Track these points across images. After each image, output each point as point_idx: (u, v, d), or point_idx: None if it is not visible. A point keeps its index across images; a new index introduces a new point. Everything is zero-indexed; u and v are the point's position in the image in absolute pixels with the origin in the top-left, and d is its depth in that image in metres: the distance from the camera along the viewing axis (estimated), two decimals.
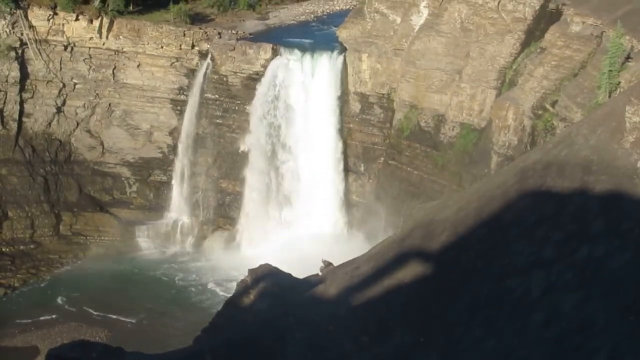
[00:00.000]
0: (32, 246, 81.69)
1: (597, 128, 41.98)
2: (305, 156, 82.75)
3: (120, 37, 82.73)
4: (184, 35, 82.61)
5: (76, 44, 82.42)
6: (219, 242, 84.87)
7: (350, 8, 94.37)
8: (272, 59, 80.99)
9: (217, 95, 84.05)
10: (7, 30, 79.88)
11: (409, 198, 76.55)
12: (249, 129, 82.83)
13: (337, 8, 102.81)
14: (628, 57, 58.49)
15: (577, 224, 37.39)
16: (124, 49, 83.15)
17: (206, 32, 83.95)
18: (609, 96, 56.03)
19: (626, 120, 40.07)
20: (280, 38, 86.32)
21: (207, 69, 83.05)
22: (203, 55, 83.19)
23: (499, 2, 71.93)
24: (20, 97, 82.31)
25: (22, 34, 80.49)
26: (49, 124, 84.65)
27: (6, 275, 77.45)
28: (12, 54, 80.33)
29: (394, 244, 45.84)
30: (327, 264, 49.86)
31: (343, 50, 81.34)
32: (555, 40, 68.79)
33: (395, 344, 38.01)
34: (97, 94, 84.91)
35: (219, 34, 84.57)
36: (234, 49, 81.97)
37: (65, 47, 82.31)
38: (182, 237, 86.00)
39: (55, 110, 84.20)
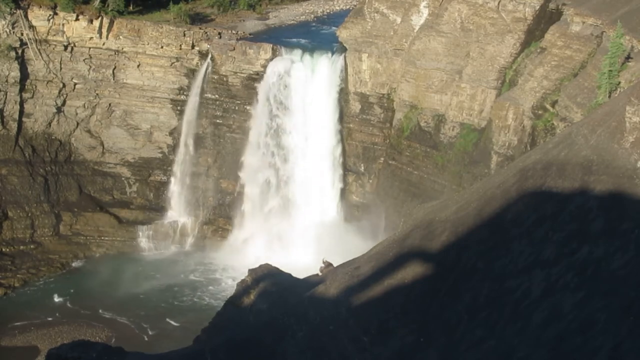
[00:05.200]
0: (32, 246, 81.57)
1: (597, 128, 42.01)
2: (305, 156, 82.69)
3: (120, 37, 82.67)
4: (184, 35, 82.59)
5: (76, 44, 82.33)
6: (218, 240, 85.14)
7: (350, 8, 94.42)
8: (272, 59, 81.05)
9: (217, 95, 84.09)
10: (7, 30, 79.81)
11: (409, 198, 76.58)
12: (249, 128, 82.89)
13: (337, 8, 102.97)
14: (628, 57, 58.52)
15: (577, 224, 37.40)
16: (124, 49, 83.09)
17: (206, 32, 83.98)
18: (609, 96, 56.01)
19: (626, 120, 40.07)
20: (280, 38, 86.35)
21: (207, 69, 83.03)
22: (203, 55, 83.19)
23: (499, 2, 71.96)
24: (20, 97, 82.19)
25: (22, 34, 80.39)
26: (49, 124, 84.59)
27: (6, 275, 77.33)
28: (12, 54, 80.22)
29: (394, 244, 45.85)
30: (327, 264, 50.01)
31: (343, 50, 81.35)
32: (555, 40, 68.83)
33: (396, 344, 38.01)
34: (97, 94, 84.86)
35: (219, 34, 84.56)
36: (234, 49, 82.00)
37: (65, 47, 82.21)
38: (182, 237, 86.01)
39: (55, 110, 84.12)
